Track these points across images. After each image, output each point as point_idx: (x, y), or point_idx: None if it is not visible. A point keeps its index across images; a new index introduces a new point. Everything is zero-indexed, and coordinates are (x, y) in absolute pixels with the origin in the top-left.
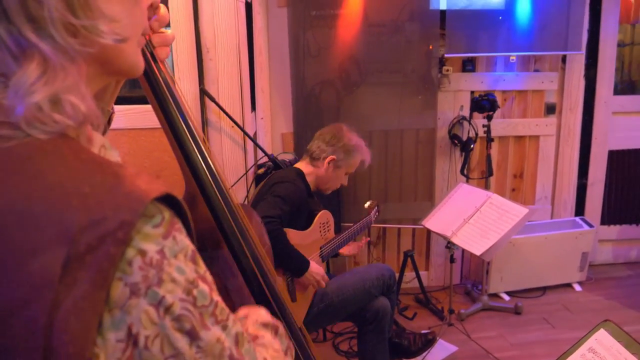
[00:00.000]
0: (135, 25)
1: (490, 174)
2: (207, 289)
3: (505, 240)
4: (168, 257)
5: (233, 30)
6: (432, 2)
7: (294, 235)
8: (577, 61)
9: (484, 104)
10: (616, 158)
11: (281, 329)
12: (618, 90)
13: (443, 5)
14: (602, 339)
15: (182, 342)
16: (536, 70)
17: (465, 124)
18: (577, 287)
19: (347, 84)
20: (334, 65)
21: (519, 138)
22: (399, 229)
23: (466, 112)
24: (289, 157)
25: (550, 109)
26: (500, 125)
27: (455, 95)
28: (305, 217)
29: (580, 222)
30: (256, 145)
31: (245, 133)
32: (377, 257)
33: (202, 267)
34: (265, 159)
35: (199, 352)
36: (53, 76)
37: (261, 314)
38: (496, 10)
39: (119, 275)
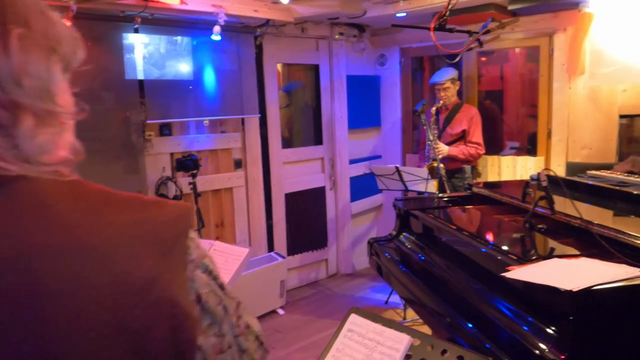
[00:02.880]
0: None
1: (203, 225)
2: None
3: (236, 279)
4: (198, 240)
5: None
6: (128, 72)
7: None
8: (253, 122)
9: (188, 163)
10: (291, 199)
11: None
12: (284, 145)
13: (140, 75)
14: (354, 320)
15: (220, 292)
16: (223, 132)
17: (170, 183)
18: (281, 311)
19: None
20: None
21: (216, 191)
22: None
23: (168, 172)
24: None
25: (238, 164)
26: (200, 182)
27: (156, 158)
28: None
29: (275, 255)
30: None
31: None
32: None
33: None
34: None
35: (226, 296)
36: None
37: None
38: (186, 81)
39: (187, 258)
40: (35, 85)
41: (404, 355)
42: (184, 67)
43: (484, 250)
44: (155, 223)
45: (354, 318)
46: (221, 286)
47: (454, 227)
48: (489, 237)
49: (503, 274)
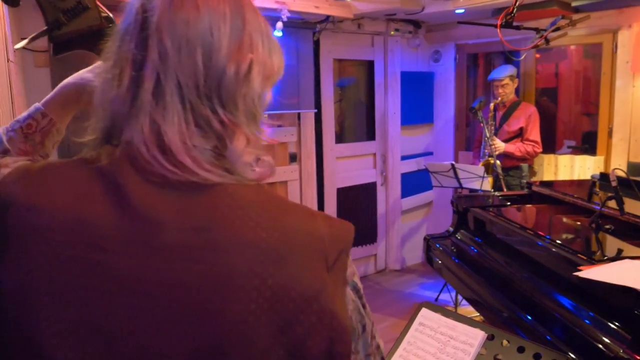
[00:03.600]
0: None
1: None
2: None
3: None
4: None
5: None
6: None
7: None
8: (309, 117)
9: None
10: (342, 194)
11: None
12: (337, 140)
13: None
14: (426, 314)
15: (362, 310)
16: (280, 126)
17: None
18: None
19: None
20: None
21: (272, 184)
22: None
23: None
24: None
25: (293, 158)
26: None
27: None
28: None
29: None
30: None
31: None
32: None
33: None
34: None
35: (367, 315)
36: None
37: None
38: None
39: (346, 274)
40: (248, 109)
41: (478, 350)
42: None
43: (549, 248)
44: (325, 237)
45: (425, 312)
46: (364, 305)
47: (516, 225)
48: (554, 235)
49: (575, 273)
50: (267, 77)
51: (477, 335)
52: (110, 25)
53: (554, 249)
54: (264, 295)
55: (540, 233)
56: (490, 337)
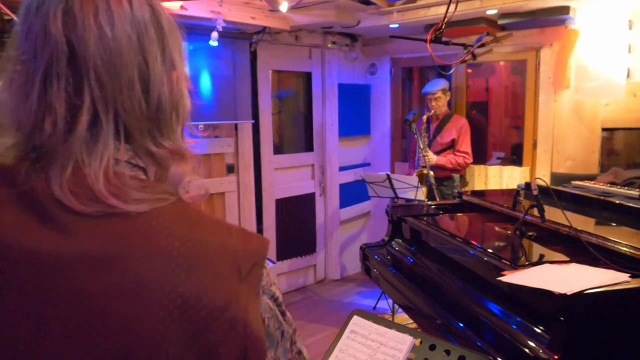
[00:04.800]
0: None
1: None
2: None
3: None
4: (268, 269)
5: None
6: None
7: None
8: (246, 128)
9: None
10: (281, 205)
11: None
12: (275, 151)
13: None
14: (357, 322)
15: (281, 318)
16: (216, 137)
17: None
18: None
19: None
20: None
21: (209, 196)
22: None
23: None
24: None
25: (230, 169)
26: (192, 186)
27: None
28: None
29: (267, 261)
30: None
31: None
32: None
33: None
34: None
35: (285, 322)
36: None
37: None
38: None
39: (260, 285)
40: (182, 126)
41: (406, 355)
42: None
43: (477, 255)
44: (238, 250)
45: (356, 320)
46: (283, 313)
47: (447, 233)
48: (481, 243)
49: (498, 278)
50: (187, 86)
51: (406, 341)
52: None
53: (481, 256)
54: (174, 303)
55: (470, 241)
56: (418, 342)
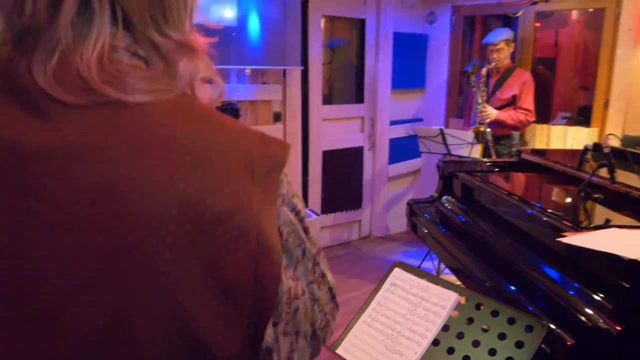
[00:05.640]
0: None
1: None
2: None
3: None
4: (289, 179)
5: None
6: None
7: None
8: (295, 75)
9: (229, 112)
10: (328, 157)
11: None
12: (324, 101)
13: None
14: (398, 275)
15: (303, 234)
16: (264, 83)
17: None
18: None
19: None
20: None
21: None
22: None
23: None
24: None
25: (277, 117)
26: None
27: None
28: None
29: (310, 212)
30: None
31: None
32: None
33: None
34: None
35: (308, 240)
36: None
37: None
38: (229, 27)
39: (277, 192)
40: (190, 20)
41: (449, 313)
42: (228, 13)
43: (535, 215)
44: (252, 151)
45: (397, 272)
46: (305, 230)
47: (502, 190)
48: (541, 203)
49: (558, 239)
50: None
51: (450, 298)
52: None
53: (540, 216)
54: (172, 200)
55: (528, 200)
56: (464, 300)
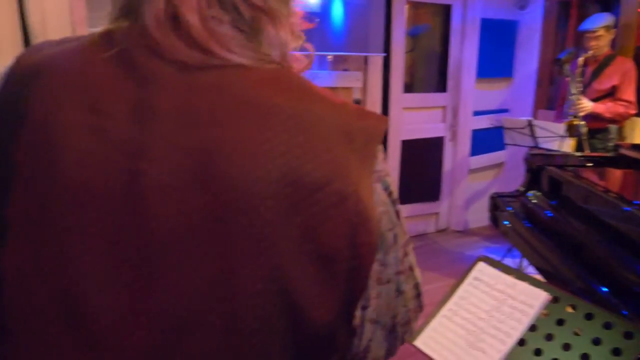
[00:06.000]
0: None
1: None
2: None
3: None
4: (384, 155)
5: (67, 12)
6: None
7: None
8: (376, 63)
9: None
10: (407, 146)
11: None
12: (405, 89)
13: None
14: (482, 269)
15: (395, 218)
16: (345, 70)
17: None
18: None
19: None
20: None
21: None
22: None
23: None
24: None
25: (357, 104)
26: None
27: None
28: None
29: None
30: None
31: None
32: None
33: None
34: None
35: (400, 226)
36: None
37: None
38: (312, 12)
39: (374, 166)
40: None
41: (538, 312)
42: None
43: (633, 213)
44: (352, 122)
45: (482, 266)
46: (397, 213)
47: (596, 186)
48: None
49: None
50: None
51: (539, 297)
52: None
53: (639, 214)
54: (273, 163)
55: (625, 197)
56: (554, 300)
